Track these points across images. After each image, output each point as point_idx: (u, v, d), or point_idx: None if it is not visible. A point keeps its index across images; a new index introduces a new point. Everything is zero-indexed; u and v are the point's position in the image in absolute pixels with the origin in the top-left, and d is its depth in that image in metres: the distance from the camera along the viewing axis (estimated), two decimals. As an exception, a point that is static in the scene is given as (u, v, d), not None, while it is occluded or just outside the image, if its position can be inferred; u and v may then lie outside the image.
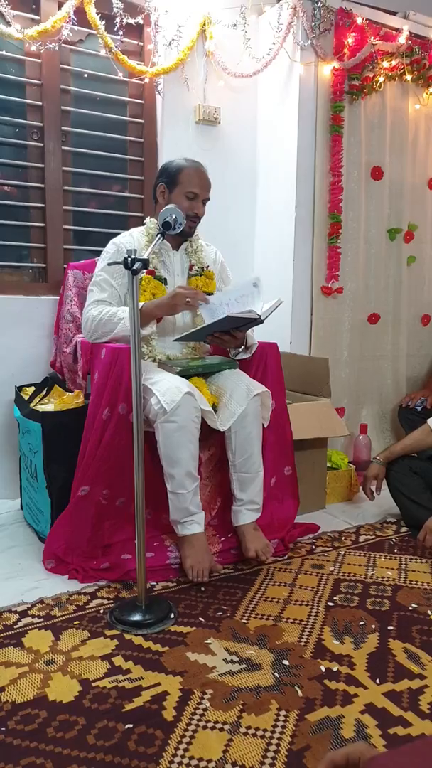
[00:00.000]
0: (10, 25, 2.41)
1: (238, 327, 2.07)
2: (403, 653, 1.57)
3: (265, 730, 1.28)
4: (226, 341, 2.12)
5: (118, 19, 2.60)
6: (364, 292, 3.18)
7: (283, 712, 1.33)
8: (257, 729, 1.28)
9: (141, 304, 2.06)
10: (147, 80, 2.81)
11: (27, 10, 2.58)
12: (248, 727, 1.29)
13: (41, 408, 2.23)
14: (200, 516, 1.99)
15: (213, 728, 1.28)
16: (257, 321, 2.04)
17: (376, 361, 3.29)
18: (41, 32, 2.45)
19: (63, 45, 2.58)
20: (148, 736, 1.26)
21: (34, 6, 2.60)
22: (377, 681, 1.45)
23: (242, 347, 2.23)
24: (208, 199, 2.24)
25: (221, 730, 1.28)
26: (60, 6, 2.54)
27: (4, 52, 2.56)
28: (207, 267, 2.30)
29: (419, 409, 3.09)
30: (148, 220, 2.30)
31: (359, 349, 3.20)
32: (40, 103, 2.66)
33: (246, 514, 2.09)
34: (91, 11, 2.52)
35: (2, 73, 2.59)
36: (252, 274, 2.48)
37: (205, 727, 1.28)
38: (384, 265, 3.24)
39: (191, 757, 1.20)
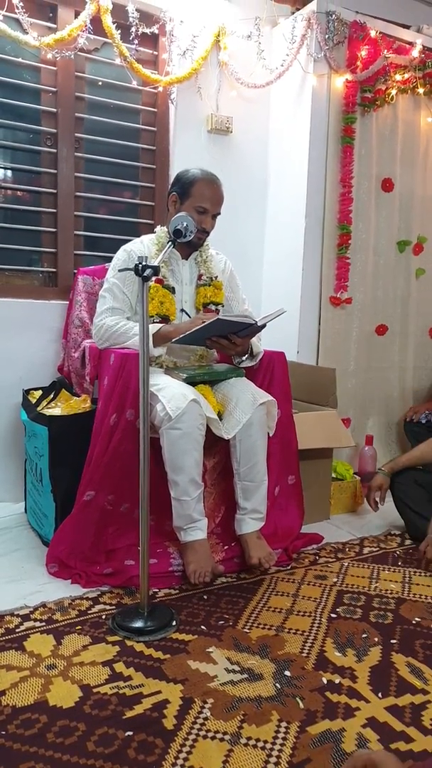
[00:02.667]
0: (27, 33, 2.43)
1: (236, 332, 2.07)
2: (405, 667, 1.56)
3: (265, 742, 1.27)
4: (224, 346, 2.10)
5: (133, 29, 2.62)
6: (372, 303, 3.18)
7: (284, 724, 1.33)
8: (258, 740, 1.28)
9: (160, 327, 2.06)
10: (160, 89, 2.83)
11: (44, 18, 2.61)
12: (249, 738, 1.28)
13: (48, 412, 2.23)
14: (203, 523, 1.99)
15: (213, 738, 1.28)
16: (254, 326, 2.04)
17: (383, 373, 3.28)
18: (57, 40, 2.47)
19: (78, 53, 2.60)
20: (148, 744, 1.25)
21: (51, 14, 2.63)
22: (379, 695, 1.44)
23: (247, 355, 2.23)
24: (218, 213, 2.24)
25: (221, 740, 1.27)
26: (77, 15, 2.57)
27: (20, 59, 2.59)
28: (216, 277, 2.31)
29: (423, 421, 3.09)
30: (158, 228, 2.31)
31: (366, 360, 3.20)
32: (54, 110, 2.68)
33: (249, 522, 2.08)
34: (107, 20, 2.54)
35: (18, 80, 2.61)
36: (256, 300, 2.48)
37: (205, 737, 1.28)
38: (392, 277, 3.24)
39: (191, 767, 1.20)
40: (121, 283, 2.19)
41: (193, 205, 2.17)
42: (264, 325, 2.08)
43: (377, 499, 2.46)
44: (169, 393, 1.94)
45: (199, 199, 2.17)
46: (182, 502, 1.94)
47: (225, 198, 2.25)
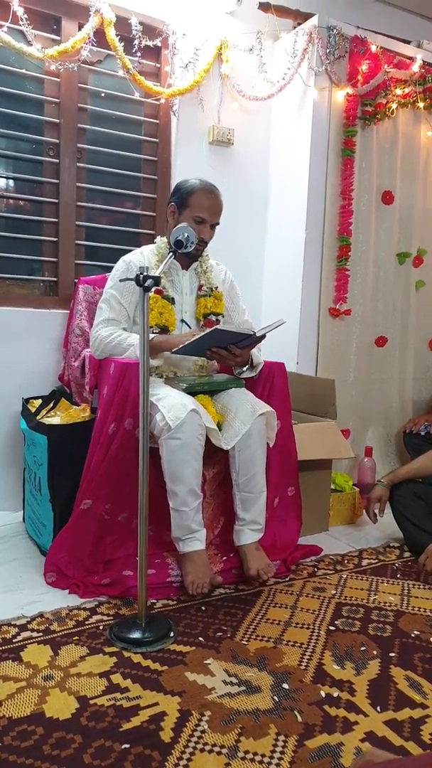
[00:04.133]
0: (31, 45, 2.45)
1: (236, 343, 2.07)
2: (404, 681, 1.55)
3: (263, 755, 1.26)
4: (224, 356, 2.10)
5: (136, 41, 2.65)
6: (372, 314, 3.19)
7: (281, 737, 1.32)
8: (255, 753, 1.27)
9: (151, 336, 2.06)
10: (163, 101, 2.86)
11: (48, 30, 2.64)
12: (246, 752, 1.27)
13: (47, 421, 2.23)
14: (202, 533, 1.98)
15: (211, 751, 1.27)
16: (253, 337, 2.03)
17: (383, 384, 3.28)
18: (61, 52, 2.49)
19: (82, 65, 2.63)
20: (145, 757, 1.24)
21: (55, 26, 2.66)
22: (378, 709, 1.43)
23: (247, 366, 2.23)
24: (217, 223, 2.24)
25: (219, 753, 1.26)
26: (80, 27, 2.59)
27: (24, 71, 2.61)
28: (216, 287, 2.31)
29: (423, 433, 3.09)
30: (158, 239, 2.32)
31: (366, 372, 3.20)
32: (57, 121, 2.70)
33: (248, 533, 2.08)
34: (111, 33, 2.57)
35: (22, 91, 2.63)
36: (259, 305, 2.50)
37: (202, 750, 1.27)
38: (392, 289, 3.25)
39: (188, 780, 1.19)
40: (118, 294, 2.19)
41: (192, 215, 2.18)
42: (263, 336, 2.08)
43: (376, 511, 2.45)
44: (169, 403, 1.94)
45: (197, 209, 2.18)
46: (181, 512, 1.94)
47: (225, 209, 2.26)
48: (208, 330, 1.99)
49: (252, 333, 2.02)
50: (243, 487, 2.07)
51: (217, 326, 1.99)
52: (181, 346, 2.02)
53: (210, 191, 2.21)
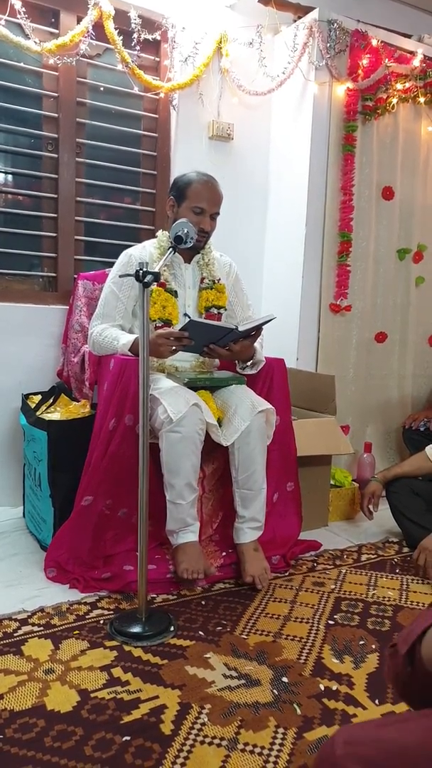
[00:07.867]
0: (29, 38, 2.44)
1: (221, 338, 2.04)
2: (403, 674, 1.55)
3: (262, 748, 1.27)
4: (214, 354, 2.09)
5: (135, 35, 2.64)
6: (372, 310, 3.19)
7: (281, 730, 1.33)
8: (255, 746, 1.28)
9: (132, 338, 2.06)
10: (162, 95, 2.85)
11: (46, 23, 2.63)
12: (246, 744, 1.28)
13: (47, 417, 2.24)
14: (195, 526, 1.99)
15: (210, 743, 1.28)
16: (235, 332, 2.01)
17: (382, 380, 3.29)
18: (59, 46, 2.48)
19: (80, 59, 2.62)
20: (146, 749, 1.25)
21: (53, 20, 2.65)
22: (376, 702, 1.44)
23: (249, 362, 2.23)
24: (217, 213, 2.22)
25: (219, 745, 1.27)
26: (79, 20, 2.58)
27: (22, 64, 2.60)
28: (219, 280, 2.30)
29: (422, 429, 3.09)
30: (160, 232, 2.31)
31: (365, 368, 3.21)
32: (56, 115, 2.70)
33: (247, 532, 2.07)
34: (110, 26, 2.56)
35: (20, 85, 2.63)
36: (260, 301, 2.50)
37: (202, 742, 1.28)
38: (392, 285, 3.25)
39: (188, 773, 1.20)
40: (117, 288, 2.19)
41: (190, 206, 2.16)
42: (257, 330, 2.06)
43: (371, 507, 2.46)
44: (171, 396, 1.94)
45: (195, 199, 2.16)
46: (177, 505, 1.95)
47: (225, 204, 2.25)
48: (184, 323, 1.97)
49: (233, 328, 2.00)
50: (242, 484, 2.07)
51: (193, 319, 1.97)
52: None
53: (207, 181, 2.19)
